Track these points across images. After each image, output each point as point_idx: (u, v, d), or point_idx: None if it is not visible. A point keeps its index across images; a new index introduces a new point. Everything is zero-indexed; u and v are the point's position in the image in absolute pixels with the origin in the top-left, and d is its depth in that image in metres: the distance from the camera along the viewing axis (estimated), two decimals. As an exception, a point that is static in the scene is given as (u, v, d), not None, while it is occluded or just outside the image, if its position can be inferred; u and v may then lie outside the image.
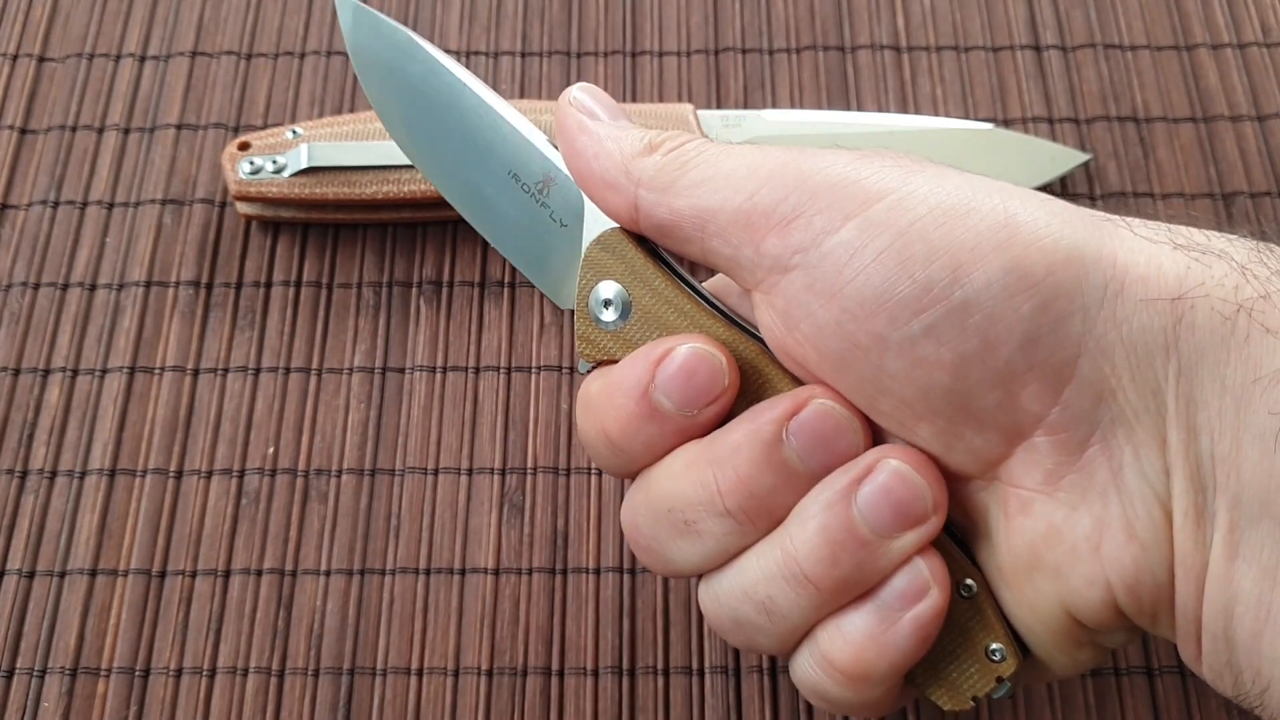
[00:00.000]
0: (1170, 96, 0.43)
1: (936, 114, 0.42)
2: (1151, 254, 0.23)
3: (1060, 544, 0.23)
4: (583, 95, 0.28)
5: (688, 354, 0.25)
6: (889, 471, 0.24)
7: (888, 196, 0.24)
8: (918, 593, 0.24)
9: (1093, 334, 0.22)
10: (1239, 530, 0.21)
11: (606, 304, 0.27)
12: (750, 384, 0.26)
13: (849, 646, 0.24)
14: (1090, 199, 0.41)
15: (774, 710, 0.33)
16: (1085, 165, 0.41)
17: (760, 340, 0.26)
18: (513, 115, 0.29)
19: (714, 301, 0.27)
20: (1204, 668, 0.23)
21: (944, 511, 0.24)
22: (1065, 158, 0.41)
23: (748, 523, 0.25)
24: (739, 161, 0.25)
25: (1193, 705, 0.33)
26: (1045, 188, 0.40)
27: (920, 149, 0.40)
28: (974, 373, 0.23)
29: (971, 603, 0.25)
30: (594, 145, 0.27)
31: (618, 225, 0.28)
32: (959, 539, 0.26)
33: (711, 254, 0.26)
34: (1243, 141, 0.42)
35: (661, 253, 0.28)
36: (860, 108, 0.43)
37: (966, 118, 0.42)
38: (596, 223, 0.28)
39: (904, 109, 0.42)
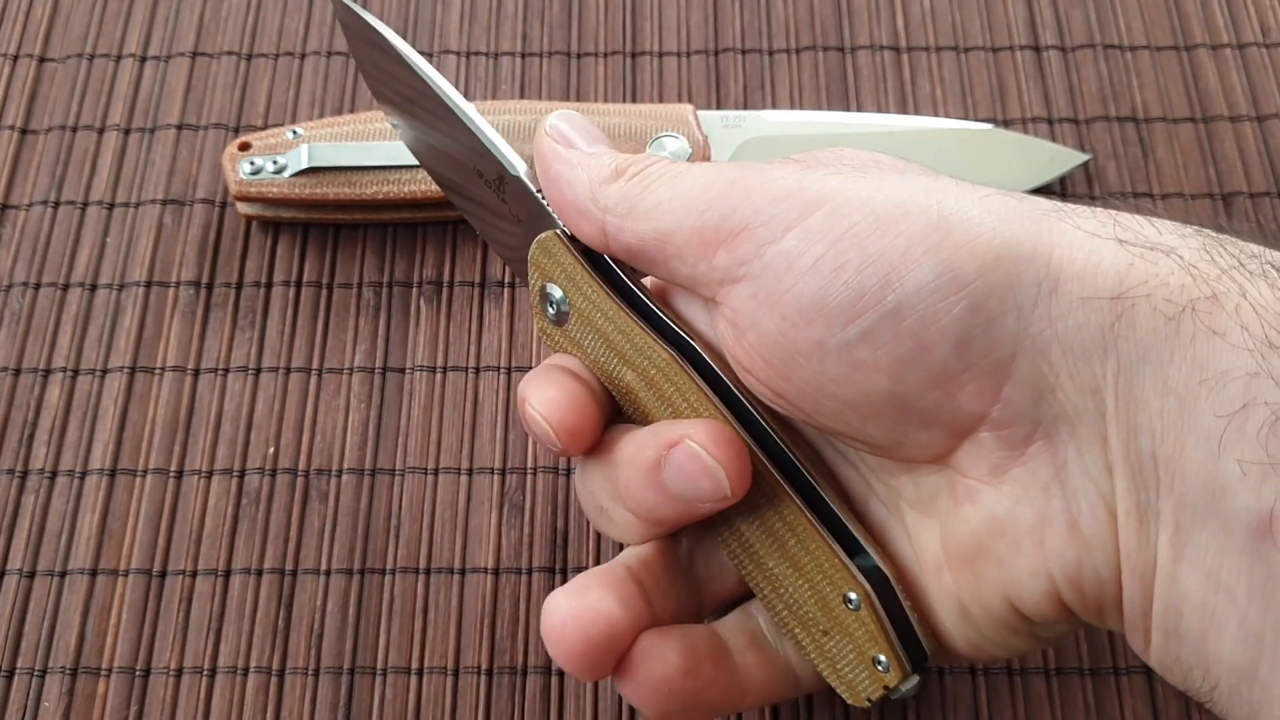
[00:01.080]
0: (1170, 97, 0.43)
1: (936, 114, 0.42)
2: (1091, 249, 0.22)
3: (1003, 535, 0.24)
4: (559, 123, 0.29)
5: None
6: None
7: (825, 204, 0.24)
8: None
9: (1028, 333, 0.22)
10: (1184, 532, 0.21)
11: (550, 303, 0.29)
12: (662, 395, 0.27)
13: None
14: (1090, 199, 0.41)
15: (773, 707, 0.33)
16: (1085, 165, 0.41)
17: (684, 346, 0.27)
18: (471, 112, 0.30)
19: (649, 305, 0.28)
20: (1153, 660, 0.23)
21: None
22: (1065, 158, 0.41)
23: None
24: (694, 181, 0.26)
25: (1192, 705, 0.33)
26: (1045, 188, 0.41)
27: (920, 149, 0.40)
28: (911, 375, 0.23)
29: (856, 615, 0.26)
30: (567, 172, 0.28)
31: (556, 230, 0.28)
32: (853, 544, 0.26)
33: (674, 274, 0.27)
34: (1242, 142, 0.42)
35: (603, 257, 0.28)
36: (860, 108, 0.43)
37: (966, 118, 0.42)
38: (541, 224, 0.29)
39: (904, 109, 0.43)
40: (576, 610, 0.26)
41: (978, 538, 0.24)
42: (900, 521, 0.27)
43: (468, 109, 0.30)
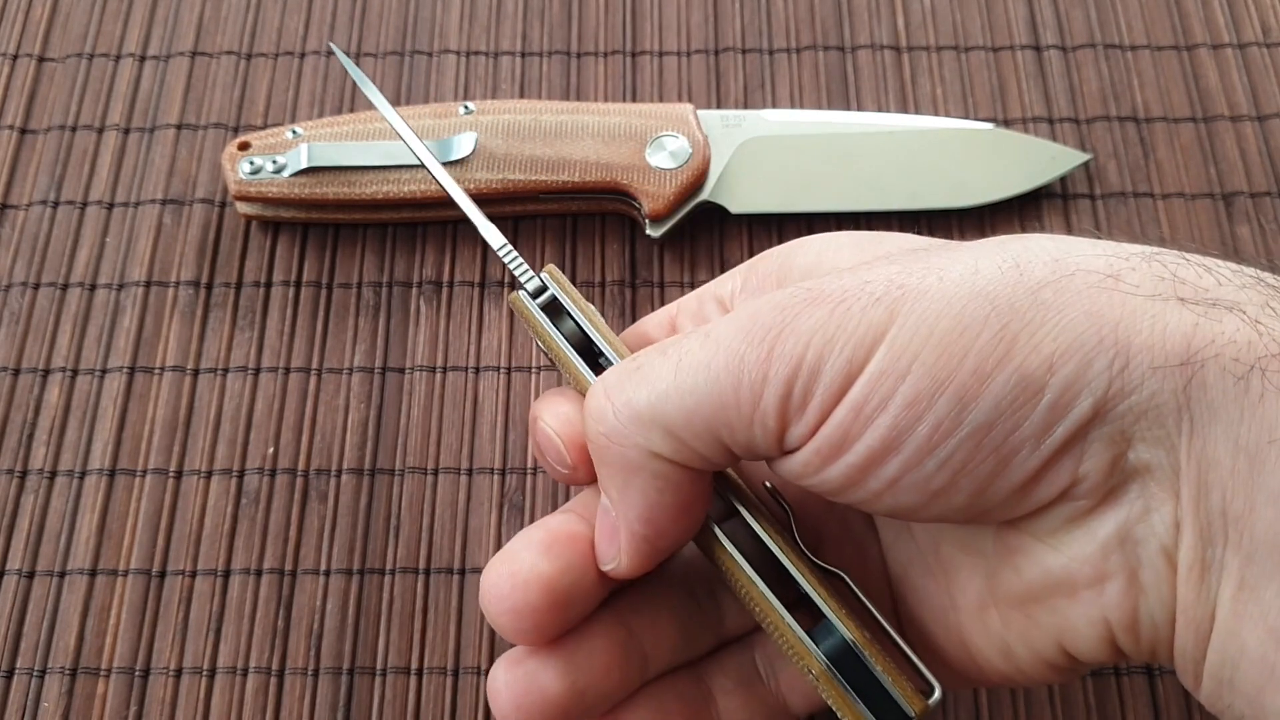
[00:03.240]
0: (1170, 96, 0.43)
1: (936, 114, 0.42)
2: (1155, 315, 0.22)
3: (1060, 589, 0.23)
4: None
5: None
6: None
7: (882, 341, 0.23)
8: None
9: (1103, 410, 0.22)
10: (1248, 589, 0.21)
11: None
12: None
13: None
14: (1090, 199, 0.41)
15: None
16: (1085, 165, 0.41)
17: None
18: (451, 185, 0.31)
19: (603, 353, 0.28)
20: (1202, 699, 0.23)
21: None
22: (1065, 158, 0.41)
23: None
24: (713, 364, 0.24)
25: (1193, 705, 0.33)
26: (1045, 188, 0.40)
27: (920, 149, 0.40)
28: (990, 489, 0.23)
29: (817, 685, 0.26)
30: (590, 423, 0.26)
31: (519, 291, 0.29)
32: (817, 611, 0.26)
33: (743, 458, 0.25)
34: (1243, 141, 0.42)
35: (565, 311, 0.29)
36: (860, 108, 0.43)
37: (966, 118, 0.42)
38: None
39: (904, 109, 0.42)
40: (509, 681, 0.26)
41: (1031, 589, 0.24)
42: (936, 558, 0.27)
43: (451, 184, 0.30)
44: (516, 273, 0.29)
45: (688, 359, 0.24)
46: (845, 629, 0.26)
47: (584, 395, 0.27)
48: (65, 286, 0.39)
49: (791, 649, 0.26)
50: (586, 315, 0.28)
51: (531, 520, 0.35)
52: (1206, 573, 0.21)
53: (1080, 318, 0.22)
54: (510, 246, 0.29)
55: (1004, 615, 0.25)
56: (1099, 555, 0.23)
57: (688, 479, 0.25)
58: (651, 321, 0.30)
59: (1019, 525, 0.24)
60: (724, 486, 0.27)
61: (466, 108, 0.39)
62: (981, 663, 0.26)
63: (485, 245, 0.40)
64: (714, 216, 0.40)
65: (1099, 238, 0.24)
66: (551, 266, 0.29)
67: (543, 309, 0.29)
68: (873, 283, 0.23)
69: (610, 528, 0.26)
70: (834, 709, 0.26)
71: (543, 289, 0.29)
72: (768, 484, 0.28)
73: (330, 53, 0.43)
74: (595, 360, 0.28)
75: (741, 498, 0.27)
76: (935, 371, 0.22)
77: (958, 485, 0.23)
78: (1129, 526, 0.22)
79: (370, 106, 0.42)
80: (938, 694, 0.26)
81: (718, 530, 0.27)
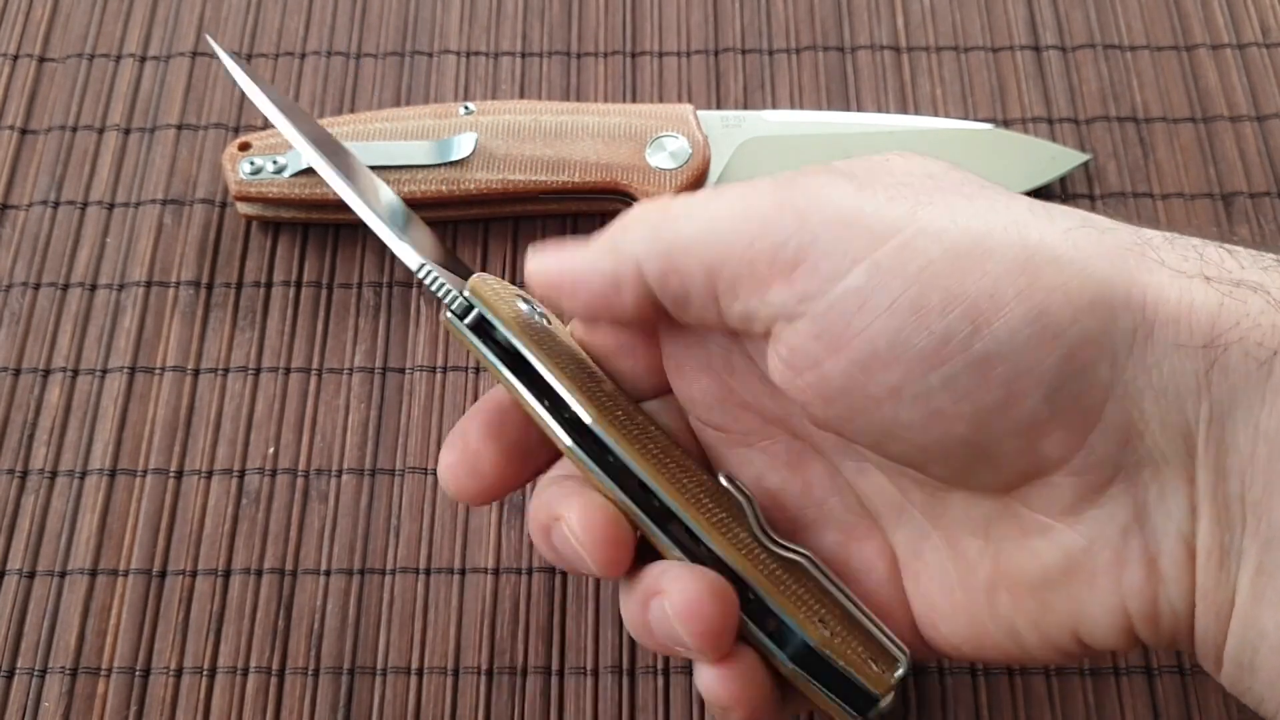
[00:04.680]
0: (1170, 97, 0.43)
1: (936, 114, 0.42)
2: (1182, 289, 0.21)
3: (1078, 572, 0.23)
4: (538, 259, 0.27)
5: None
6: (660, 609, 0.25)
7: (895, 237, 0.22)
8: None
9: (1121, 379, 0.21)
10: (1266, 574, 0.21)
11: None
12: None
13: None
14: (1090, 199, 0.41)
15: None
16: (1085, 165, 0.41)
17: (578, 426, 0.26)
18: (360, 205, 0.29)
19: (548, 377, 0.26)
20: (1223, 682, 0.23)
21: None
22: (1065, 158, 0.41)
23: None
24: (729, 205, 0.24)
25: (1192, 705, 0.33)
26: (1045, 188, 0.41)
27: (920, 149, 0.40)
28: (994, 423, 0.22)
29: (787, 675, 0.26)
30: (578, 262, 0.26)
31: (446, 312, 0.26)
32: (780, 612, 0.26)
33: (726, 313, 0.24)
34: (1242, 141, 0.42)
35: (492, 321, 0.26)
36: (860, 108, 0.43)
37: (966, 118, 0.42)
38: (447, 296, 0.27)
39: (904, 109, 0.43)
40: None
41: (1048, 572, 0.24)
42: (942, 536, 0.26)
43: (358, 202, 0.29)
44: (439, 294, 0.26)
45: (701, 202, 0.25)
46: (803, 632, 0.25)
47: (534, 423, 0.26)
48: (66, 287, 0.39)
49: (765, 651, 0.26)
50: (520, 335, 0.26)
51: (531, 520, 0.35)
52: (1225, 558, 0.21)
53: (1109, 270, 0.21)
54: (429, 265, 0.26)
55: (1016, 600, 0.24)
56: (1118, 536, 0.22)
57: (644, 327, 0.26)
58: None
59: (1030, 501, 0.23)
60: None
61: (466, 108, 0.39)
62: (987, 642, 0.25)
63: (485, 245, 0.40)
64: (714, 217, 0.40)
65: None
66: (479, 276, 0.26)
67: (472, 329, 0.26)
68: (908, 186, 0.23)
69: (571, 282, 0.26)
70: (809, 697, 0.26)
71: (469, 308, 0.26)
72: (723, 477, 0.27)
73: (329, 54, 0.43)
74: (545, 387, 0.26)
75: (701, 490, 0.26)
76: (947, 283, 0.21)
77: (960, 411, 0.22)
78: (1146, 510, 0.22)
79: (371, 106, 0.42)
80: (903, 668, 0.26)
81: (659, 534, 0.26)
